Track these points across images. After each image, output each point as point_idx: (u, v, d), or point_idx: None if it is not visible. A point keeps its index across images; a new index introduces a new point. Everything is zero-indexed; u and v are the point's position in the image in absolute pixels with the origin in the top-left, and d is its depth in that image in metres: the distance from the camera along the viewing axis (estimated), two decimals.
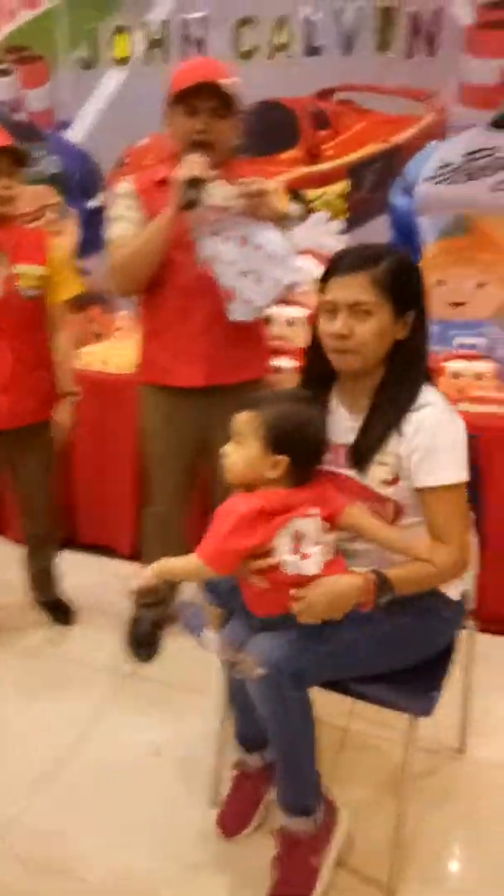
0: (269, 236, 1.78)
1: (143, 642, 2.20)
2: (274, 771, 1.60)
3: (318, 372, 1.46)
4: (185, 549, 2.16)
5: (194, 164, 1.72)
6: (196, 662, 2.11)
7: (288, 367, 2.43)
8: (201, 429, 1.99)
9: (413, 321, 1.39)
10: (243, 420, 1.34)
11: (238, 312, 1.82)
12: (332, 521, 1.35)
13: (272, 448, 1.32)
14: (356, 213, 2.74)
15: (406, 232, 2.71)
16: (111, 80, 2.98)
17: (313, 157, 2.71)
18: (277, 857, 1.45)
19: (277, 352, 2.42)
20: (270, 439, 1.32)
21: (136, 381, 2.07)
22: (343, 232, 2.73)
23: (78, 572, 2.56)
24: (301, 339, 2.47)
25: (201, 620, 1.54)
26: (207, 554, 1.31)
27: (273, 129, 2.70)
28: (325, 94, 2.67)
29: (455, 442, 1.36)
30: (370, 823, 1.61)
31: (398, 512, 1.40)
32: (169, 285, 1.89)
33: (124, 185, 1.93)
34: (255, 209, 1.75)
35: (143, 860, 1.56)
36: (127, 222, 1.89)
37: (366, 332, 1.36)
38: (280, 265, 1.78)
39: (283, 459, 1.33)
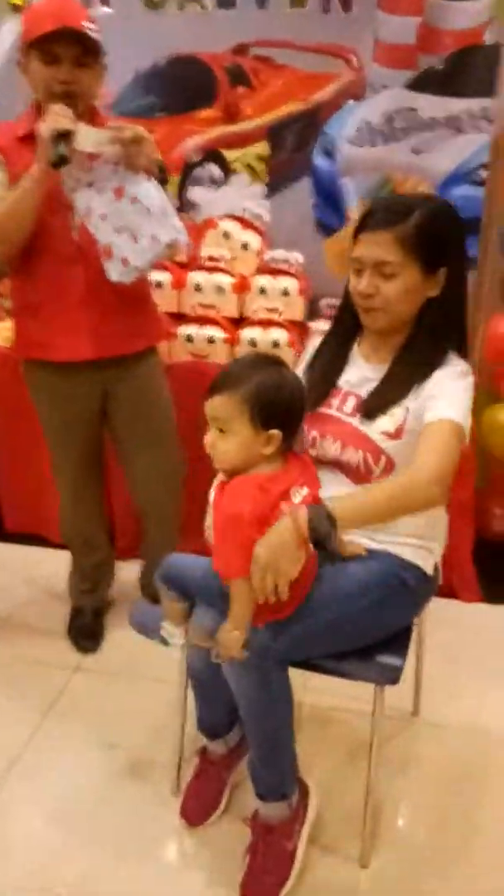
0: (146, 189, 1.67)
1: (87, 633, 2.11)
2: (237, 755, 1.57)
3: (348, 325, 1.46)
4: (105, 521, 2.12)
5: (60, 117, 1.57)
6: (143, 650, 2.02)
7: (219, 337, 2.36)
8: (98, 400, 1.91)
9: (447, 277, 1.35)
10: (220, 405, 1.26)
11: (115, 272, 1.70)
12: (316, 502, 1.30)
13: (262, 424, 1.25)
14: (277, 175, 2.65)
15: (330, 194, 2.65)
16: (9, 33, 2.74)
17: (232, 115, 2.60)
18: (252, 846, 1.42)
19: (270, 323, 2.35)
20: (259, 415, 1.25)
21: (14, 358, 1.95)
22: (265, 196, 2.66)
23: (7, 564, 2.43)
24: (294, 311, 2.41)
25: (156, 617, 1.47)
26: (237, 568, 1.23)
27: (189, 86, 2.56)
28: (240, 49, 2.55)
29: (460, 390, 1.35)
30: (336, 796, 1.61)
31: (388, 467, 1.38)
32: (44, 253, 1.74)
33: None
34: (131, 158, 1.62)
35: (111, 861, 1.50)
36: None
37: (391, 291, 1.34)
38: (158, 222, 1.67)
39: (276, 433, 1.26)
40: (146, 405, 1.95)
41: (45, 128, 1.57)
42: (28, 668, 2.03)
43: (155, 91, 2.61)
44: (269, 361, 1.31)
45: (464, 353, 1.43)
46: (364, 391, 1.43)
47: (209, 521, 1.39)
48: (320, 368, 1.49)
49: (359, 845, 1.49)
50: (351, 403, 1.43)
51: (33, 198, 1.65)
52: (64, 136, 1.57)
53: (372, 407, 1.39)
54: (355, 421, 1.42)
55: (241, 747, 1.58)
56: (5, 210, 1.66)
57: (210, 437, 1.29)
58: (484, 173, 2.57)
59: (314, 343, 1.57)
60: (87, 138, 1.59)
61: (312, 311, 2.61)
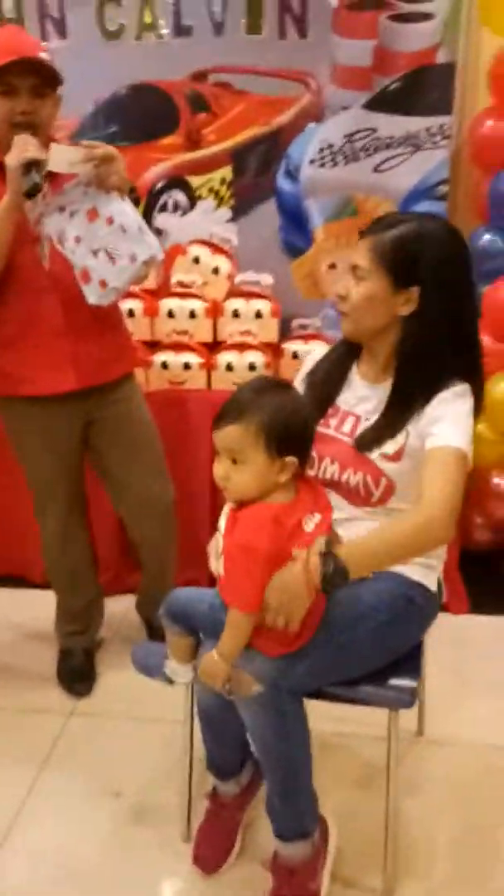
0: (120, 208, 1.64)
1: (79, 676, 2.03)
2: (249, 794, 1.52)
3: (349, 344, 1.45)
4: (93, 559, 2.05)
5: (28, 145, 1.55)
6: (140, 690, 1.96)
7: (195, 362, 2.34)
8: (81, 431, 1.87)
9: (424, 298, 1.32)
10: (233, 435, 1.22)
11: (93, 295, 1.66)
12: (329, 529, 1.28)
13: (277, 452, 1.22)
14: (242, 199, 2.65)
15: (295, 216, 2.66)
16: None
17: (194, 142, 2.59)
18: (275, 892, 1.36)
19: (245, 346, 2.33)
20: (274, 443, 1.21)
21: None
22: (230, 219, 2.66)
23: None
24: (268, 333, 2.39)
25: (159, 656, 1.42)
26: (247, 603, 1.21)
27: (150, 114, 2.54)
28: (199, 76, 2.56)
29: (463, 415, 1.32)
30: (352, 826, 1.56)
31: (388, 490, 1.36)
32: (15, 285, 1.70)
33: None
34: (102, 178, 1.60)
35: None
36: None
37: (356, 294, 1.33)
38: (134, 240, 1.64)
39: (292, 460, 1.23)
40: (130, 430, 1.91)
41: (14, 158, 1.54)
42: (20, 717, 1.95)
43: (116, 120, 2.58)
44: (277, 386, 1.29)
45: (477, 383, 1.38)
46: (362, 410, 1.42)
47: (212, 547, 1.36)
48: (319, 386, 1.47)
49: (380, 876, 1.45)
50: (349, 423, 1.42)
51: (5, 231, 1.61)
52: (34, 165, 1.54)
53: (368, 441, 1.37)
54: (353, 441, 1.40)
55: (254, 785, 1.53)
56: None
57: (222, 469, 1.24)
58: (444, 189, 2.61)
59: (313, 358, 1.54)
60: (61, 157, 1.57)
61: (283, 332, 2.61)
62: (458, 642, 2.19)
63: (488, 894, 1.45)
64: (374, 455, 1.37)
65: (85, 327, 1.75)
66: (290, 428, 1.23)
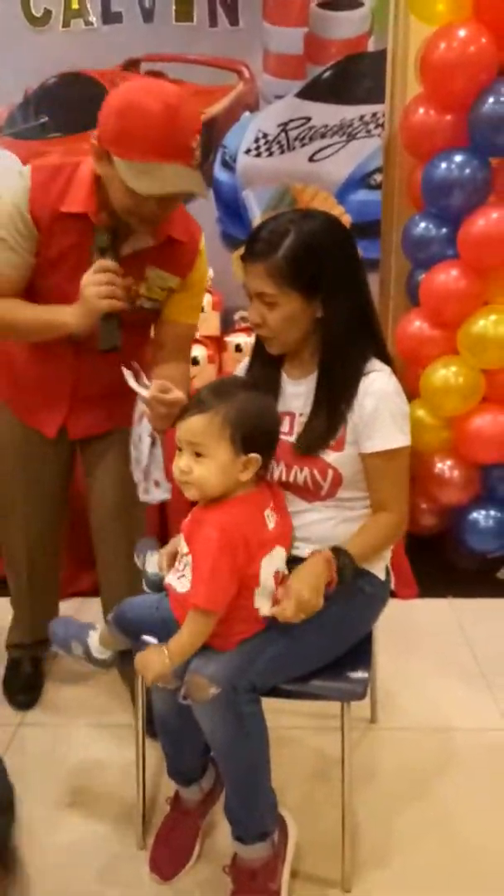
0: (143, 444, 1.54)
1: (24, 686, 1.96)
2: (211, 801, 1.51)
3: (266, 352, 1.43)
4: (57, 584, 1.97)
5: (116, 289, 1.41)
6: (91, 696, 1.94)
7: None
8: (64, 461, 1.79)
9: (329, 295, 1.31)
10: (198, 426, 1.19)
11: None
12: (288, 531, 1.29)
13: (242, 447, 1.20)
14: None
15: (232, 206, 2.63)
16: None
17: None
18: (235, 894, 1.35)
19: None
20: (239, 437, 1.19)
21: None
22: None
23: None
24: (210, 326, 2.38)
25: (81, 632, 1.46)
26: (202, 600, 1.18)
27: (81, 105, 2.46)
28: (131, 64, 2.50)
29: (399, 407, 1.36)
30: (309, 820, 1.56)
31: (336, 481, 1.37)
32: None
33: (17, 190, 1.46)
34: (157, 417, 1.44)
35: None
36: (7, 251, 1.49)
37: (273, 321, 1.32)
38: (137, 468, 1.56)
39: (255, 457, 1.21)
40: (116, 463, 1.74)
41: (100, 304, 1.40)
42: None
43: (46, 110, 2.52)
44: (244, 384, 1.29)
45: (383, 355, 1.42)
46: (294, 406, 1.42)
47: (171, 549, 1.35)
48: None
49: (339, 869, 1.46)
50: (286, 423, 1.41)
51: (50, 336, 1.51)
52: (112, 318, 1.42)
53: (308, 445, 1.37)
54: (292, 438, 1.39)
55: (216, 790, 1.52)
56: (15, 322, 1.51)
57: (185, 462, 1.21)
58: (379, 177, 2.63)
59: (241, 367, 1.54)
60: (141, 391, 1.42)
61: (226, 324, 2.58)
62: (406, 627, 2.22)
63: (447, 881, 1.47)
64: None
65: (92, 392, 1.66)
66: (257, 425, 1.22)
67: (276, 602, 1.25)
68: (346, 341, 1.35)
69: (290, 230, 1.29)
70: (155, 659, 1.22)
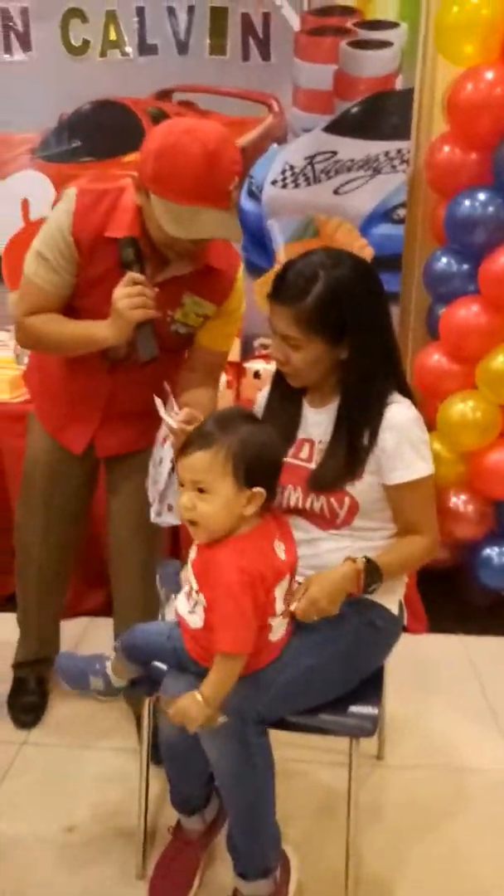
0: (163, 466, 1.55)
1: (28, 706, 1.95)
2: (214, 832, 1.49)
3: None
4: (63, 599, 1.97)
5: (147, 313, 1.42)
6: (98, 718, 1.93)
7: None
8: (91, 489, 1.82)
9: (355, 338, 1.33)
10: (201, 462, 1.19)
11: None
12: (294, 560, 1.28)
13: (245, 482, 1.19)
14: None
15: (258, 236, 2.67)
16: None
17: None
18: None
19: None
20: (242, 472, 1.18)
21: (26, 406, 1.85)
22: None
23: None
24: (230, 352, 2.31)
25: (91, 665, 1.44)
26: (230, 645, 1.18)
27: (114, 131, 2.53)
28: (163, 94, 2.56)
29: (419, 436, 1.37)
30: (313, 856, 1.54)
31: (352, 510, 1.37)
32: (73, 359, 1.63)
33: (62, 212, 1.51)
34: (180, 445, 1.39)
35: None
36: (50, 271, 1.52)
37: (298, 361, 1.35)
38: (153, 489, 1.58)
39: (259, 492, 1.20)
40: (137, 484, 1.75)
41: (134, 315, 1.42)
42: None
43: (79, 136, 2.57)
44: (247, 416, 1.28)
45: (405, 390, 1.43)
46: (314, 434, 1.43)
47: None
48: (278, 423, 1.44)
49: None
50: (306, 450, 1.42)
51: (86, 350, 1.55)
52: (146, 326, 1.44)
53: (322, 483, 1.37)
54: (311, 465, 1.40)
55: (218, 822, 1.49)
56: (53, 336, 1.55)
57: (188, 499, 1.20)
58: (402, 212, 2.65)
59: (263, 395, 1.55)
60: (167, 419, 1.44)
61: (245, 351, 2.61)
62: (417, 662, 2.20)
63: None
64: None
65: (124, 410, 1.67)
66: (260, 458, 1.21)
67: (289, 601, 1.26)
68: (370, 379, 1.37)
69: (319, 276, 1.29)
70: (193, 708, 1.19)
